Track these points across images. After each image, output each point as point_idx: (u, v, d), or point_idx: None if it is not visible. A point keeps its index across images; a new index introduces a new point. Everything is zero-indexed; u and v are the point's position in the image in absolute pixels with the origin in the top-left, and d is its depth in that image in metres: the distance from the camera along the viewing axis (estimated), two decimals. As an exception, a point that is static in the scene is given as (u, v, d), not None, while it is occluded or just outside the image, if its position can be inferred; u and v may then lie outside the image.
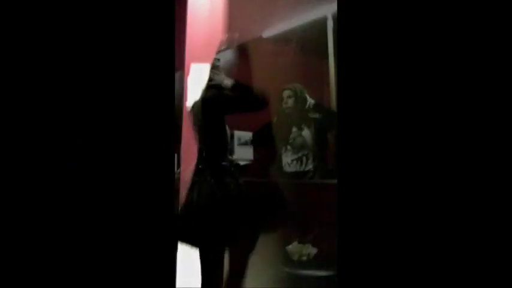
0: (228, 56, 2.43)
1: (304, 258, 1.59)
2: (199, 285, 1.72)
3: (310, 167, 2.03)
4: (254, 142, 1.75)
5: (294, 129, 2.09)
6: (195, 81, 2.56)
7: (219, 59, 2.16)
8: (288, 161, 2.08)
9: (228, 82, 1.71)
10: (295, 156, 2.05)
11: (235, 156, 2.03)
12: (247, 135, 1.96)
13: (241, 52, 2.38)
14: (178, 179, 1.64)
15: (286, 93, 2.10)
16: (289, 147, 2.07)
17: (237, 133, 1.99)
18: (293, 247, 1.62)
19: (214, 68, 1.84)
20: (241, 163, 2.13)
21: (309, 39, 1.95)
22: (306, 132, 2.04)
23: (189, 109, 1.74)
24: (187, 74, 2.36)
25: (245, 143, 2.09)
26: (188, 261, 1.71)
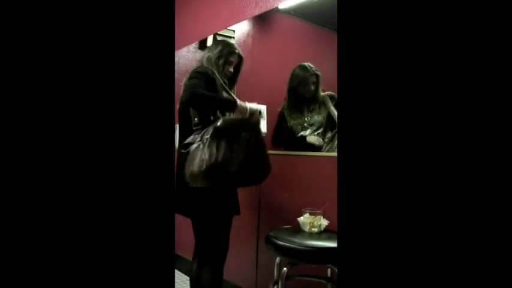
0: (245, 27, 2.45)
1: (315, 229, 1.62)
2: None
3: (325, 140, 2.07)
4: None
5: (311, 107, 2.12)
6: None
7: (234, 31, 2.19)
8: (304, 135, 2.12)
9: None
10: (313, 133, 2.09)
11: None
12: (260, 107, 1.95)
13: (258, 23, 2.39)
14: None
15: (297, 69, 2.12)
16: (306, 125, 2.11)
17: (249, 105, 2.00)
18: (304, 218, 1.65)
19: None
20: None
21: (325, 12, 1.95)
22: (322, 110, 2.07)
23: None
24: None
25: (251, 115, 2.10)
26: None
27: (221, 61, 1.79)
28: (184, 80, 1.72)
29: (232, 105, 1.64)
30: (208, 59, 1.80)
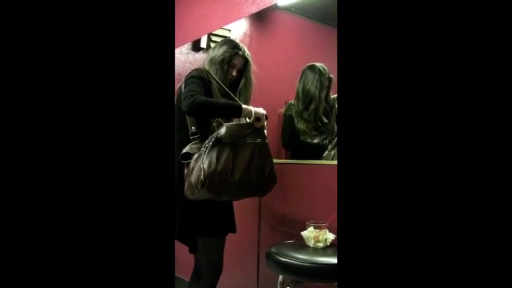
0: (241, 26, 2.44)
1: (321, 244, 1.59)
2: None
3: (332, 146, 2.07)
4: None
5: (321, 111, 2.11)
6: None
7: (229, 30, 2.18)
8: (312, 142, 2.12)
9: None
10: (320, 140, 2.09)
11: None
12: (261, 111, 1.92)
13: (256, 22, 2.39)
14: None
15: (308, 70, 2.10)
16: (314, 132, 2.10)
17: (254, 109, 1.97)
18: (309, 232, 1.62)
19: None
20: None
21: (328, 9, 1.95)
22: (332, 115, 2.06)
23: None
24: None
25: (257, 120, 2.08)
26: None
27: (225, 63, 1.75)
28: (180, 85, 1.68)
29: (237, 110, 1.60)
30: (212, 61, 1.76)
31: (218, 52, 1.76)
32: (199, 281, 1.73)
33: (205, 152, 1.53)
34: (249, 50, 1.83)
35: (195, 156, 1.56)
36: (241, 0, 2.42)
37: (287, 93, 2.16)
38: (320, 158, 2.01)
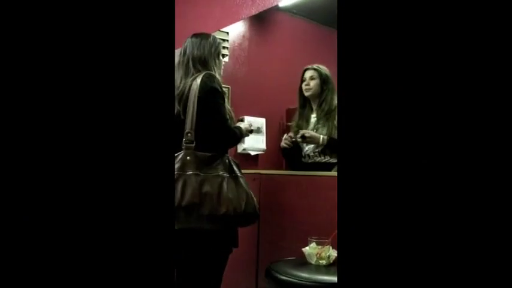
0: (240, 28, 2.43)
1: (324, 262, 1.57)
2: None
3: (332, 159, 2.04)
4: None
5: (316, 118, 2.10)
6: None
7: (227, 33, 2.16)
8: (310, 152, 2.09)
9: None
10: (318, 149, 2.07)
11: (245, 146, 2.04)
12: (260, 121, 1.92)
13: (255, 24, 2.37)
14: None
15: (309, 73, 2.09)
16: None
17: (248, 118, 1.97)
18: (311, 249, 1.60)
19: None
20: (252, 153, 2.14)
21: (331, 10, 1.94)
22: (329, 123, 2.04)
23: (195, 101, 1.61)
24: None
25: (257, 130, 2.07)
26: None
27: (221, 62, 1.78)
28: (191, 82, 1.60)
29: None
30: (216, 65, 1.71)
31: (215, 58, 1.72)
32: None
33: (198, 182, 1.51)
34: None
35: None
36: (240, 1, 2.40)
37: (289, 100, 2.14)
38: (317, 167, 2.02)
